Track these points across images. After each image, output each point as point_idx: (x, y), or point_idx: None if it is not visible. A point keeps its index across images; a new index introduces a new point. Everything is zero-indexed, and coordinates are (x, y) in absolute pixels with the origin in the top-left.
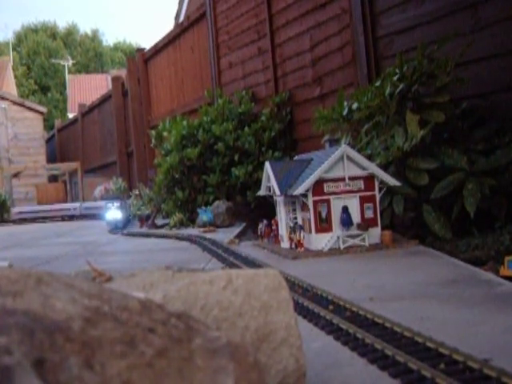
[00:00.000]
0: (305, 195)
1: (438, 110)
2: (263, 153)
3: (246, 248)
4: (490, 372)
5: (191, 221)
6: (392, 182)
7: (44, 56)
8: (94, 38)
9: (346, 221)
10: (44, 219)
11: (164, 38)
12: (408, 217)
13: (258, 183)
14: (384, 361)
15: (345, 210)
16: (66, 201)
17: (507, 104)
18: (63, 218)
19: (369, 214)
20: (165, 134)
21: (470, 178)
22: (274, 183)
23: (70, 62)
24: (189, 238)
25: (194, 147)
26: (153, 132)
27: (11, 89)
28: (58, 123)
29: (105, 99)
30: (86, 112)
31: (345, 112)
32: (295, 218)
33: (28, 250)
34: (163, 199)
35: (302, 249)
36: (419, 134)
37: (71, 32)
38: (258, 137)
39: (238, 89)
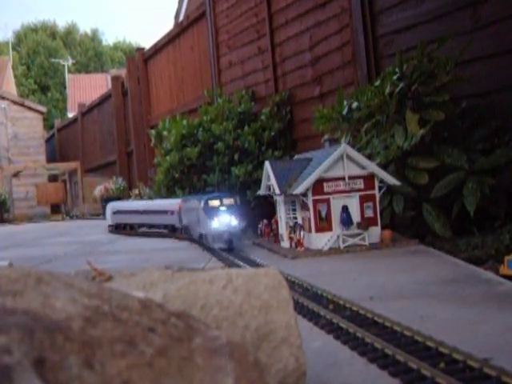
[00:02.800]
0: (305, 194)
1: (437, 109)
2: (263, 152)
3: (246, 247)
4: (490, 371)
5: None
6: (392, 181)
7: (44, 55)
8: (94, 37)
9: (346, 220)
10: None
11: (164, 38)
12: (408, 216)
13: (257, 182)
14: (384, 360)
15: (345, 209)
16: (65, 201)
17: (507, 103)
18: None
19: (369, 213)
20: (165, 133)
21: (470, 177)
22: (273, 182)
23: (70, 62)
24: (189, 238)
25: (193, 147)
26: (153, 131)
27: (11, 88)
28: (57, 123)
29: (104, 99)
30: (86, 111)
31: (345, 111)
32: (295, 218)
33: (28, 250)
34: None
35: (302, 248)
36: (419, 133)
37: (71, 31)
38: (257, 136)
39: (237, 88)
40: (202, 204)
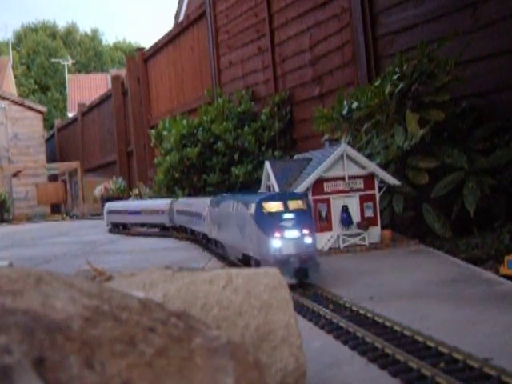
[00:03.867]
0: (305, 194)
1: (437, 109)
2: (263, 152)
3: None
4: (490, 371)
5: None
6: (392, 181)
7: (44, 55)
8: (94, 37)
9: (346, 220)
10: None
11: (164, 38)
12: (408, 216)
13: (257, 182)
14: (384, 360)
15: (345, 209)
16: (65, 201)
17: (507, 103)
18: None
19: (369, 213)
20: (165, 133)
21: (470, 177)
22: (273, 182)
23: (70, 62)
24: (189, 238)
25: (193, 146)
26: (153, 131)
27: (11, 88)
28: (57, 123)
29: (104, 99)
30: (86, 111)
31: (345, 111)
32: None
33: (28, 250)
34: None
35: None
36: (419, 133)
37: (71, 31)
38: (257, 136)
39: (237, 88)
40: (253, 209)
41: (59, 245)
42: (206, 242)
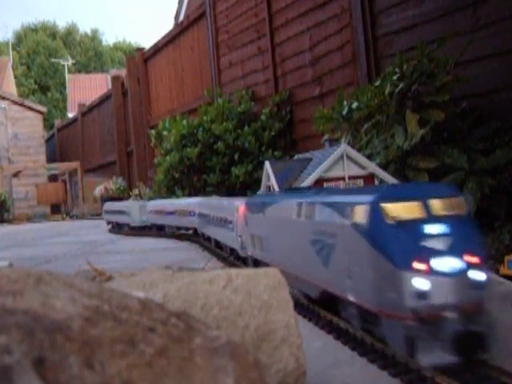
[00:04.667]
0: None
1: (437, 109)
2: (263, 152)
3: None
4: (490, 372)
5: None
6: (392, 181)
7: (44, 55)
8: (94, 37)
9: None
10: None
11: (164, 38)
12: None
13: (257, 182)
14: (384, 360)
15: None
16: (65, 201)
17: (507, 103)
18: None
19: None
20: (165, 133)
21: (470, 177)
22: (273, 182)
23: (70, 62)
24: (189, 238)
25: (193, 147)
26: (153, 131)
27: (11, 88)
28: (57, 123)
29: (104, 99)
30: (86, 111)
31: (345, 111)
32: None
33: (28, 250)
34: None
35: None
36: (419, 134)
37: (71, 32)
38: (257, 136)
39: (237, 88)
40: (364, 215)
41: (59, 245)
42: (234, 258)
